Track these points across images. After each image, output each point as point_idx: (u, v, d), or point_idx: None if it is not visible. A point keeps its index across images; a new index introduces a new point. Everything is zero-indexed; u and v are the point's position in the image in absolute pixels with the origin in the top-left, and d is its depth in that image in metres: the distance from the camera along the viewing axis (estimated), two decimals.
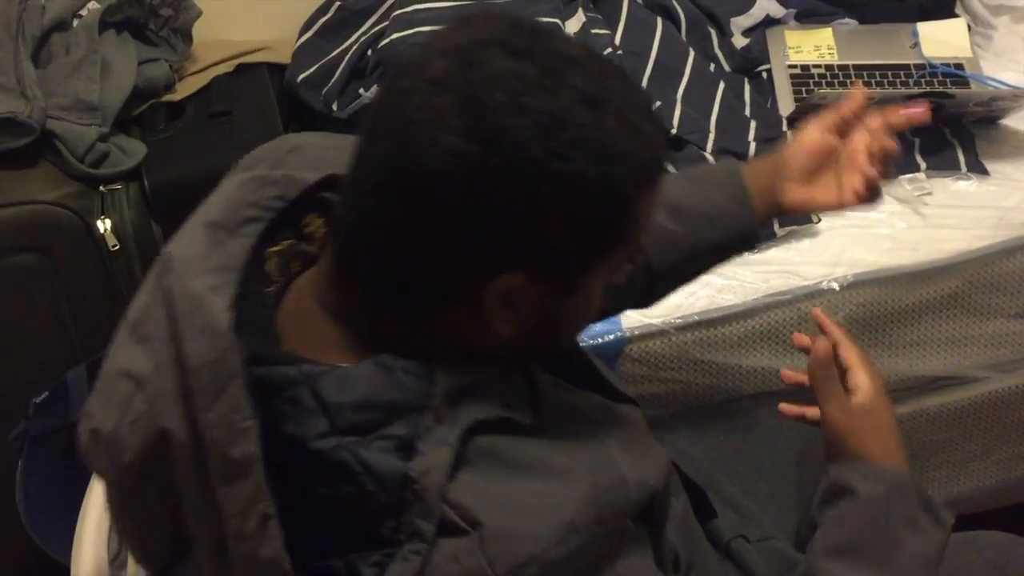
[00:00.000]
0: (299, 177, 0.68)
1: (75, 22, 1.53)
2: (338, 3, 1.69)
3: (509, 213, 0.58)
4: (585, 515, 0.59)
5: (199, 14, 1.62)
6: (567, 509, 0.59)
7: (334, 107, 1.59)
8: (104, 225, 1.37)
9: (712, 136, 1.48)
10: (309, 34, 1.68)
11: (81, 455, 0.63)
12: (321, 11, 1.70)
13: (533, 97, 0.56)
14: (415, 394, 0.59)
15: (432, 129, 0.56)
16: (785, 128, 1.49)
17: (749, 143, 1.46)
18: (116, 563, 0.78)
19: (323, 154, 0.72)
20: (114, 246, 1.38)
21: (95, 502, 0.77)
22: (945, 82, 1.56)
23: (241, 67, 1.64)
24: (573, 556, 0.58)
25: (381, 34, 1.60)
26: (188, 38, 1.63)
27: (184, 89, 1.58)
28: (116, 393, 0.61)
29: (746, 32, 1.68)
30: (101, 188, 1.39)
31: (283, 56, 1.68)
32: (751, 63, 1.65)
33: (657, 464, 0.69)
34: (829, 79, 1.58)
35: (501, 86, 0.56)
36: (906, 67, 1.59)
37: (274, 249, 0.67)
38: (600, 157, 0.58)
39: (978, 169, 1.42)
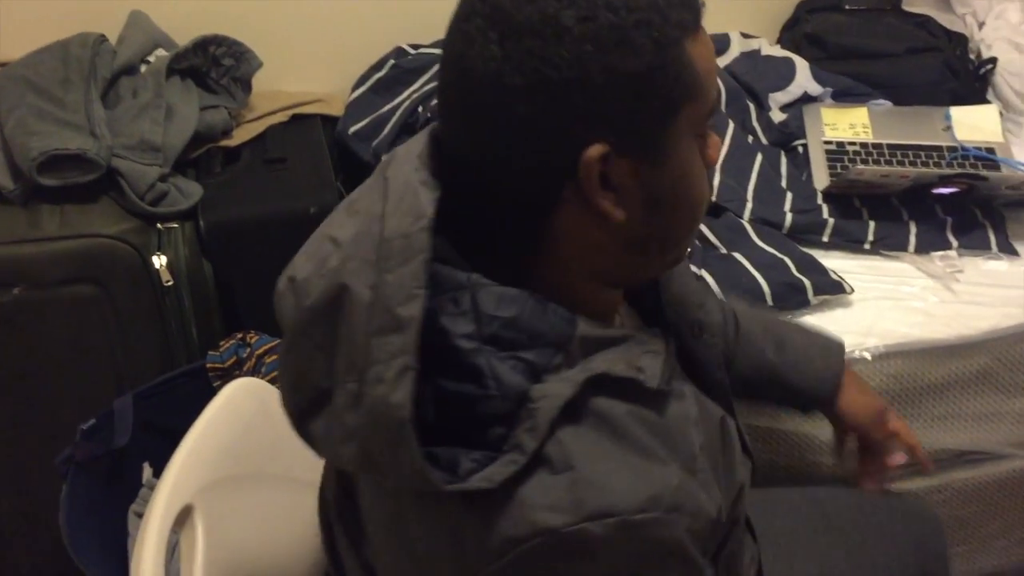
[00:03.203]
0: None
1: (143, 68, 1.60)
2: (392, 61, 1.76)
3: (565, 86, 0.62)
4: (669, 497, 0.64)
5: (259, 65, 1.68)
6: (656, 484, 0.64)
7: (383, 159, 1.64)
8: (160, 261, 1.42)
9: (750, 205, 1.52)
10: (362, 89, 1.75)
11: (275, 302, 0.71)
12: (375, 68, 1.77)
13: None
14: (558, 333, 0.65)
15: (475, 50, 0.63)
16: (820, 201, 1.54)
17: (785, 214, 1.50)
18: None
19: None
20: (167, 282, 1.42)
21: (152, 529, 0.80)
22: (977, 165, 1.60)
23: (296, 117, 1.71)
24: (647, 528, 0.62)
25: (433, 92, 1.66)
26: (247, 87, 1.70)
27: (241, 135, 1.65)
28: (318, 251, 0.68)
29: (784, 107, 1.74)
30: (158, 225, 1.45)
31: (336, 108, 1.75)
32: (788, 137, 1.70)
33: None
34: (863, 156, 1.63)
35: None
36: (939, 148, 1.64)
37: None
38: (627, 8, 0.62)
39: (1008, 250, 1.45)
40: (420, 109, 1.67)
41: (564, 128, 0.63)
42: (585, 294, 0.71)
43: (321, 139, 1.67)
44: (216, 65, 1.65)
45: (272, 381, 1.37)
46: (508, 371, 0.62)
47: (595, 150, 0.64)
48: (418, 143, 0.71)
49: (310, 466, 1.02)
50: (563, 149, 0.64)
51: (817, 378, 1.13)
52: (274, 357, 1.43)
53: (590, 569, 0.62)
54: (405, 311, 0.62)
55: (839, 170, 1.59)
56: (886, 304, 1.37)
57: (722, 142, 1.62)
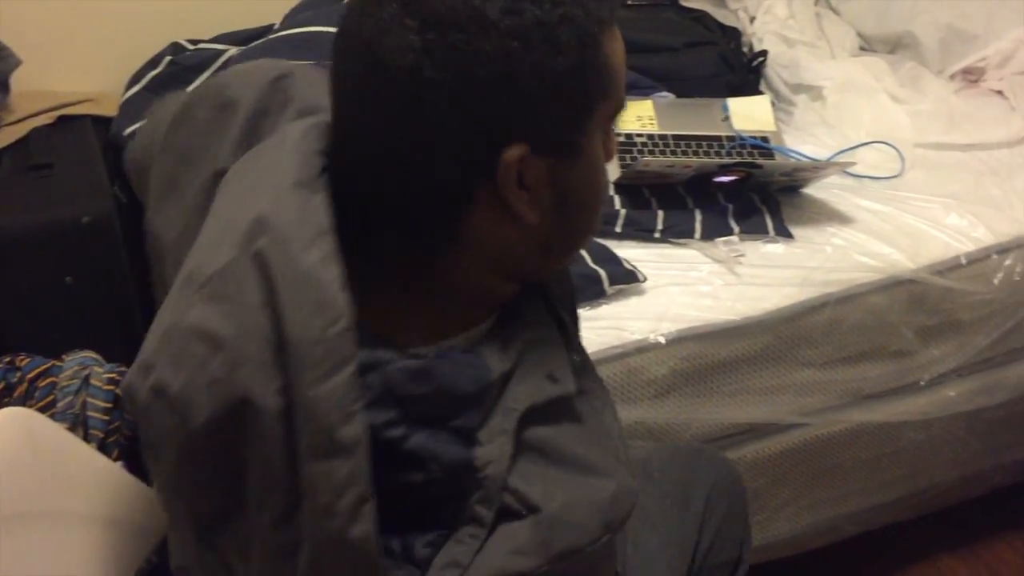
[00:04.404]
0: None
1: None
2: (169, 57, 1.67)
3: (489, 83, 0.59)
4: (614, 516, 0.64)
5: (18, 63, 1.55)
6: (604, 507, 0.63)
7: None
8: None
9: None
10: (137, 87, 1.64)
11: (132, 410, 0.61)
12: (151, 64, 1.67)
13: None
14: (478, 385, 0.62)
15: (391, 39, 0.59)
16: (612, 193, 1.58)
17: None
18: None
19: (315, 75, 0.73)
20: None
21: None
22: (753, 153, 1.69)
23: (63, 119, 1.59)
24: (599, 553, 0.63)
25: None
26: (5, 87, 1.56)
27: (0, 140, 1.51)
28: (188, 353, 0.59)
29: None
30: None
31: (109, 109, 1.64)
32: None
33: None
34: (651, 147, 1.69)
35: None
36: (718, 139, 1.72)
37: None
38: (552, 2, 0.60)
39: (784, 233, 1.54)
40: None
41: (485, 127, 0.60)
42: (484, 288, 0.68)
43: (93, 142, 1.56)
44: None
45: (43, 409, 1.27)
46: (444, 447, 0.60)
47: (515, 151, 0.61)
48: (285, 200, 0.60)
49: (87, 500, 0.94)
50: (482, 148, 0.61)
51: None
52: (49, 380, 1.32)
53: None
54: (347, 433, 0.56)
55: (628, 161, 1.64)
56: (676, 290, 1.42)
57: None
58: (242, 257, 0.59)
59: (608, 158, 0.70)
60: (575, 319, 0.85)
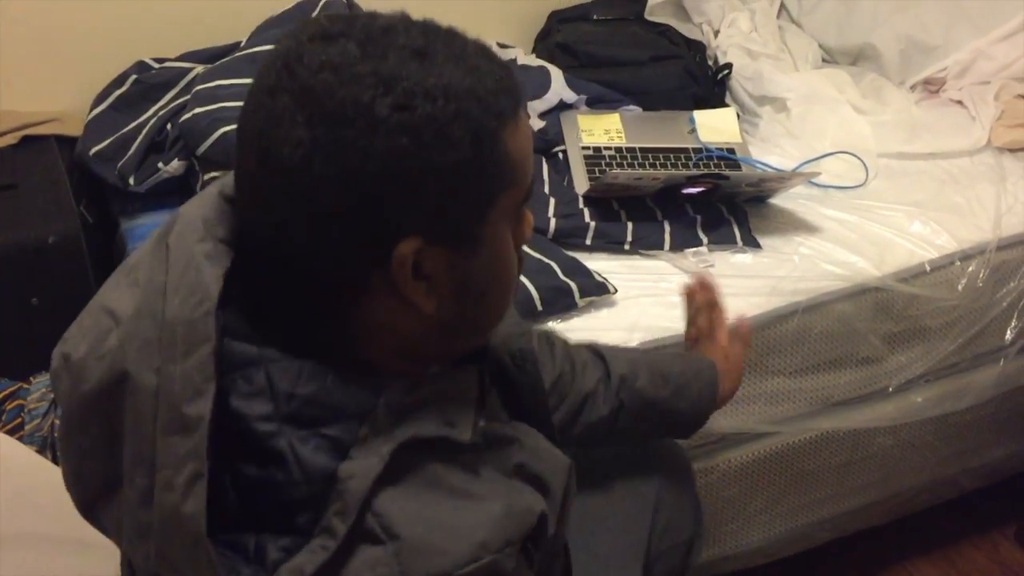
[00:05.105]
0: None
1: None
2: (134, 76, 1.66)
3: (380, 179, 0.59)
4: (497, 537, 0.62)
5: None
6: (481, 529, 0.62)
7: (131, 181, 1.54)
8: None
9: None
10: (103, 107, 1.63)
11: (50, 375, 0.65)
12: (116, 83, 1.66)
13: (360, 66, 0.59)
14: (359, 404, 0.62)
15: (280, 132, 0.59)
16: (581, 206, 1.58)
17: (549, 219, 1.53)
18: None
19: None
20: None
21: None
22: (720, 164, 1.71)
23: (27, 139, 1.58)
24: (480, 574, 0.61)
25: (182, 108, 1.57)
26: None
27: None
28: (95, 325, 0.63)
29: (542, 115, 1.78)
30: None
31: (74, 128, 1.63)
32: (548, 144, 1.74)
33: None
34: (619, 160, 1.70)
35: (326, 69, 0.59)
36: (685, 150, 1.73)
37: None
38: (445, 98, 0.60)
39: (752, 243, 1.55)
40: (168, 127, 1.58)
41: (376, 220, 0.61)
42: (393, 369, 0.67)
43: (57, 162, 1.54)
44: None
45: (11, 431, 1.25)
46: (311, 453, 0.60)
47: (408, 245, 0.61)
48: (204, 203, 0.66)
49: (57, 523, 0.93)
50: (374, 241, 0.61)
51: (698, 400, 1.12)
52: (16, 403, 1.31)
53: None
54: (192, 409, 0.58)
55: (597, 174, 1.65)
56: (648, 301, 1.43)
57: None
58: (158, 245, 0.64)
59: (521, 243, 0.70)
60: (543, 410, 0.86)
